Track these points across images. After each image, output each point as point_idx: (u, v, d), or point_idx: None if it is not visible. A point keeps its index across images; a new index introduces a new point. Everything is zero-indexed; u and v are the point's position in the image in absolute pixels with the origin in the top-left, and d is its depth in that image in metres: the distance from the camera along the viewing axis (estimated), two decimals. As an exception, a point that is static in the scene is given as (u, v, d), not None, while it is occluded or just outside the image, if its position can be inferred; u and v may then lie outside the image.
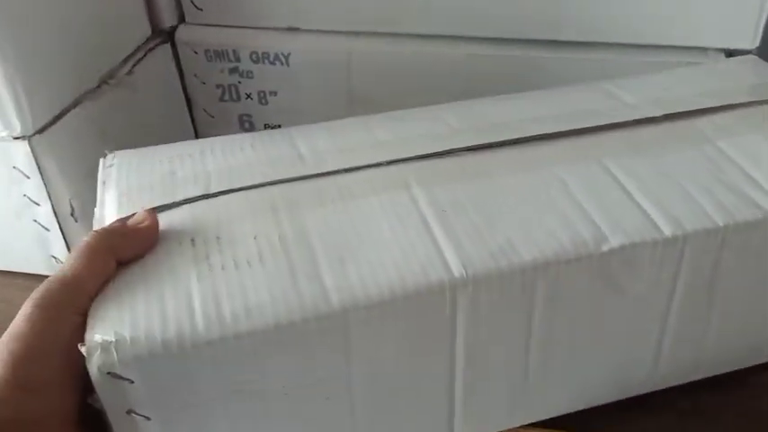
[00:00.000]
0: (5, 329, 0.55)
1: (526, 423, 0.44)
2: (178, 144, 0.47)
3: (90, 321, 0.33)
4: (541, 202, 0.40)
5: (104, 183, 0.43)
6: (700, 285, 0.41)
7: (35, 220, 0.57)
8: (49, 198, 0.56)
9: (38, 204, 0.56)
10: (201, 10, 0.71)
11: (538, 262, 0.36)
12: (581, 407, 0.45)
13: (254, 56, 0.71)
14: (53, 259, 0.60)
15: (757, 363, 0.48)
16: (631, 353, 0.43)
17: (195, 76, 0.73)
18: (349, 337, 0.35)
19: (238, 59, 0.71)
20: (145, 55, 0.66)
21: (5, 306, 0.59)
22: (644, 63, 0.63)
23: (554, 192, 0.41)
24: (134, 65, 0.64)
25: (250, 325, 0.33)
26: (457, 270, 0.35)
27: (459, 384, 0.39)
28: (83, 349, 0.32)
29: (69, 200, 0.57)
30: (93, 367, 0.32)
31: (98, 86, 0.60)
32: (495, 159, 0.43)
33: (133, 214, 0.39)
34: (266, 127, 0.76)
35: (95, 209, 0.42)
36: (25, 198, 0.56)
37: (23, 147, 0.53)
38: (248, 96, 0.74)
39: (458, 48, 0.66)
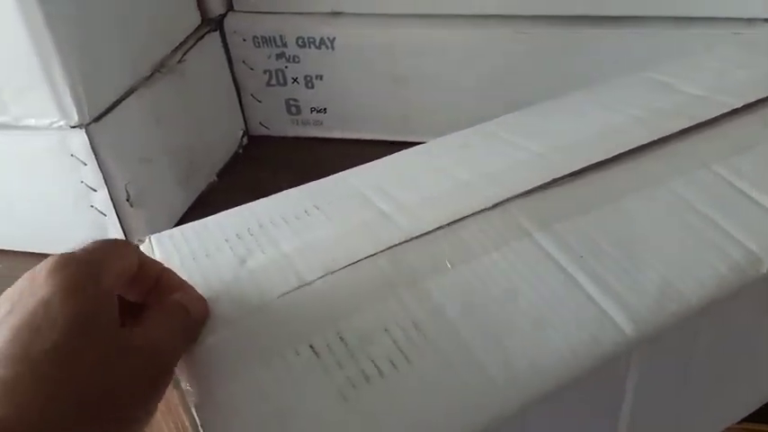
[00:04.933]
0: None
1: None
2: (219, 216, 0.39)
3: None
4: (673, 226, 0.36)
5: None
6: None
7: (92, 206, 0.60)
8: (106, 184, 0.58)
9: (95, 190, 0.59)
10: (248, -3, 0.73)
11: (704, 301, 0.33)
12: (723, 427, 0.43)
13: (300, 41, 0.72)
14: (111, 243, 0.62)
15: None
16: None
17: (243, 62, 0.75)
18: (526, 425, 0.31)
19: (285, 45, 0.73)
20: (195, 43, 0.68)
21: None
22: (682, 36, 0.62)
23: (680, 211, 0.37)
24: (185, 53, 0.66)
25: None
26: (629, 329, 0.31)
27: None
28: None
29: (125, 185, 0.59)
30: None
31: (151, 75, 0.63)
32: (599, 183, 0.39)
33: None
34: (312, 111, 0.77)
35: None
36: (82, 184, 0.59)
37: (80, 135, 0.56)
38: (295, 80, 0.75)
39: (499, 27, 0.67)
